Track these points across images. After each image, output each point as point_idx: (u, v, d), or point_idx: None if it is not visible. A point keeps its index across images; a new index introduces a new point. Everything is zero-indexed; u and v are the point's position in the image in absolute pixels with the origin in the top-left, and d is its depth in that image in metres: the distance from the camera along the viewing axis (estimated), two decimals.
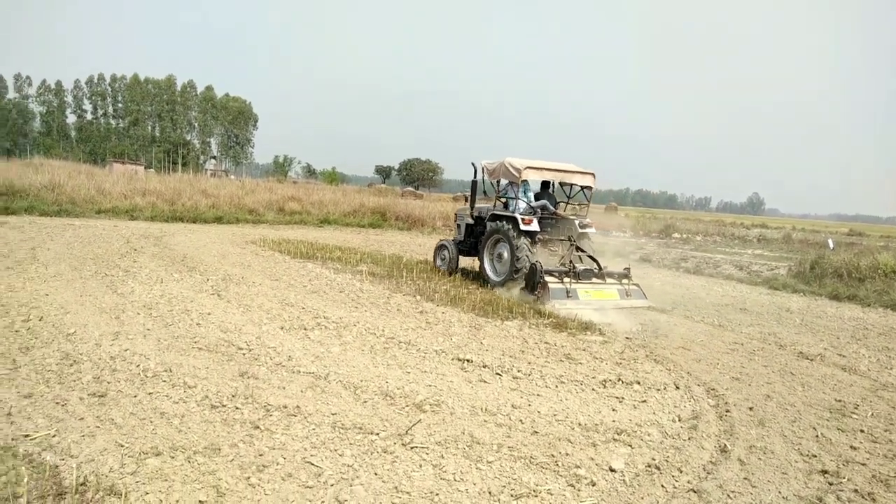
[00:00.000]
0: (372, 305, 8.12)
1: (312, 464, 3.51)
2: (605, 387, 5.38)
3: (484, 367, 5.69)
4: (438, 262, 12.29)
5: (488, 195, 11.66)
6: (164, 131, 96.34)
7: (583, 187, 11.03)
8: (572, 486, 3.50)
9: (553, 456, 3.86)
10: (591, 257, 10.04)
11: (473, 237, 11.54)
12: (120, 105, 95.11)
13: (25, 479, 3.02)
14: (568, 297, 8.96)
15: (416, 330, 6.95)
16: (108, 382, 4.53)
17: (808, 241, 30.30)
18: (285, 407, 4.31)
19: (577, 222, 10.63)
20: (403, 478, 3.43)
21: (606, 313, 8.72)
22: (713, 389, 5.56)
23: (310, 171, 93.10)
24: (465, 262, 12.44)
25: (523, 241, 9.80)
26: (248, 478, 3.28)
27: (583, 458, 3.86)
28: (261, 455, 3.56)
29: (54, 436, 3.58)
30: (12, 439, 3.48)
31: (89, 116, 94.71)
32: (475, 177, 11.31)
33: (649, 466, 3.82)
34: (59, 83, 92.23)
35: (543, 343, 6.73)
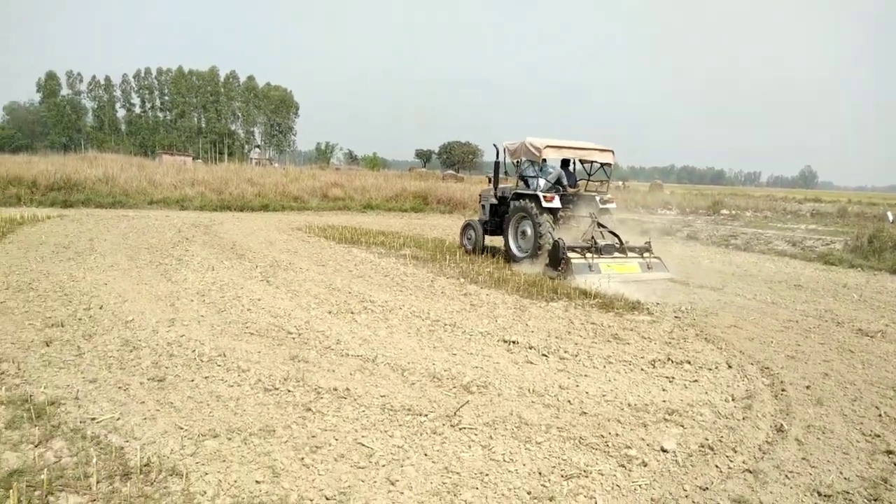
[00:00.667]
0: (416, 289, 8.18)
1: (364, 445, 3.57)
2: (654, 367, 5.30)
3: (530, 348, 5.68)
4: (465, 242, 12.49)
5: (510, 175, 11.89)
6: (210, 122, 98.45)
7: (602, 164, 11.27)
8: (623, 466, 3.47)
9: (603, 436, 3.83)
10: (612, 232, 10.23)
11: (498, 216, 11.80)
12: (166, 98, 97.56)
13: (94, 460, 3.16)
14: (590, 271, 9.20)
15: (461, 312, 6.97)
16: (166, 367, 4.70)
17: (864, 215, 29.09)
18: (335, 389, 4.39)
19: (598, 199, 10.89)
20: (453, 458, 3.46)
21: (654, 292, 8.59)
22: (767, 368, 5.42)
23: (351, 157, 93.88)
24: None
25: (546, 218, 10.10)
26: (303, 458, 3.37)
27: (633, 439, 3.82)
28: (313, 436, 3.64)
29: (118, 419, 3.73)
30: (80, 422, 3.64)
31: (138, 110, 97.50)
32: (497, 158, 11.66)
33: (702, 447, 3.76)
34: (107, 78, 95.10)
35: (590, 323, 6.67)
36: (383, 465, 3.35)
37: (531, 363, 5.26)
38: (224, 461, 3.29)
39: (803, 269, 12.20)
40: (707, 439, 3.86)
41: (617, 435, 3.86)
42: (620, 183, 57.73)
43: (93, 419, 3.70)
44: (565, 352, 5.57)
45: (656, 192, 45.85)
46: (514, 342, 5.81)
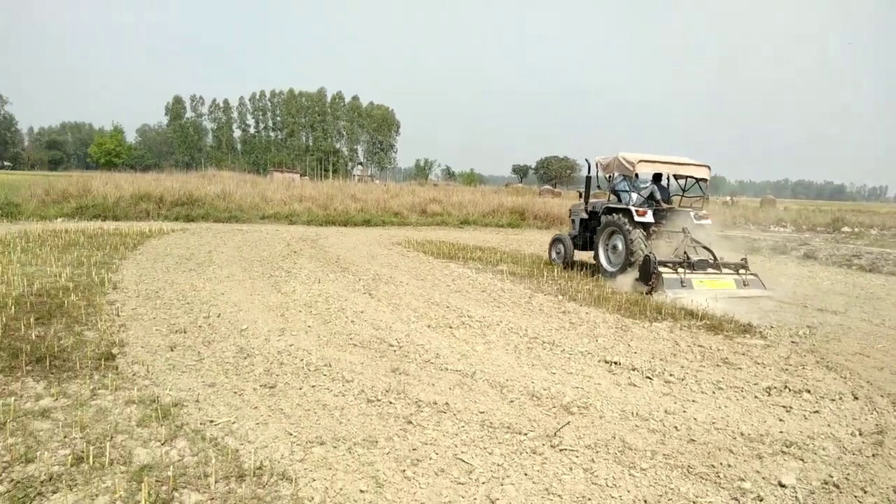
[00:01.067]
0: (514, 305, 8.14)
1: (463, 461, 3.58)
2: (769, 394, 4.98)
3: (633, 369, 5.50)
4: (553, 256, 12.75)
5: (603, 190, 12.09)
6: (317, 140, 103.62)
7: (698, 179, 11.15)
8: (737, 500, 3.27)
9: (713, 466, 3.64)
10: (706, 248, 10.00)
11: (588, 231, 11.95)
12: (278, 118, 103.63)
13: (213, 461, 3.38)
14: (682, 286, 9.07)
15: (560, 330, 6.87)
16: (277, 375, 4.94)
17: None
18: (435, 403, 4.45)
19: (692, 214, 10.75)
20: (554, 480, 3.41)
21: (767, 314, 8.10)
22: None
23: (449, 174, 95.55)
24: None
25: (638, 233, 10.14)
26: (404, 471, 3.43)
27: (747, 471, 3.60)
28: (414, 449, 3.70)
29: (234, 422, 3.97)
30: (201, 423, 3.90)
31: (252, 130, 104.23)
32: (589, 173, 11.87)
33: (826, 484, 3.48)
34: (226, 101, 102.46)
35: (697, 346, 6.37)
36: (483, 483, 3.34)
37: (634, 385, 5.10)
38: (330, 468, 3.41)
39: None
40: (831, 476, 3.57)
41: (729, 466, 3.66)
42: (728, 198, 55.00)
43: (211, 421, 3.95)
44: (671, 375, 5.35)
45: (768, 208, 43.32)
46: (615, 363, 5.65)
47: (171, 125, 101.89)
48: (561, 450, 3.79)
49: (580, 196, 12.69)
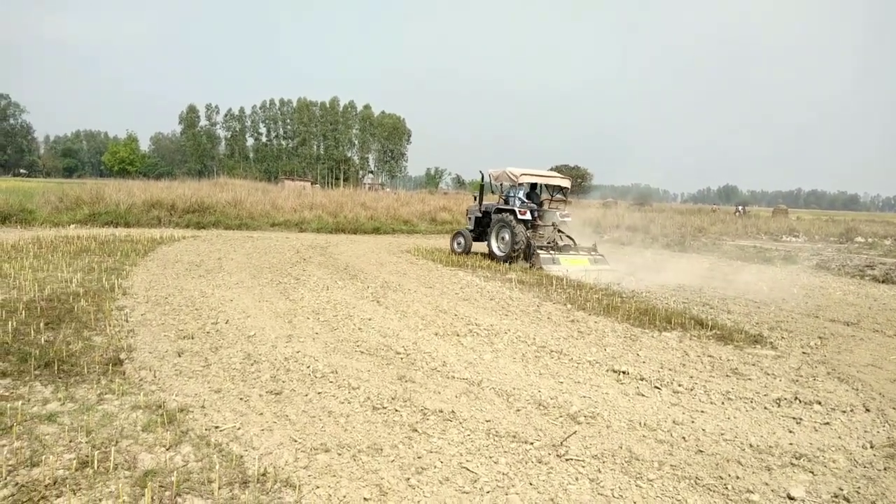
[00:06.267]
0: (522, 313, 8.11)
1: (468, 469, 3.56)
2: (779, 406, 4.92)
3: (641, 379, 5.45)
4: (455, 247, 15.56)
5: (494, 194, 15.63)
6: (328, 149, 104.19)
7: (562, 188, 15.32)
8: None
9: (721, 478, 3.59)
10: (569, 237, 14.46)
11: (481, 227, 15.29)
12: (289, 127, 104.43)
13: (217, 467, 3.37)
14: (553, 263, 13.04)
15: (568, 339, 6.83)
16: (283, 381, 4.94)
17: None
18: (441, 411, 4.43)
19: (558, 213, 14.71)
20: (559, 490, 3.38)
21: (779, 325, 8.01)
22: None
23: (459, 182, 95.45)
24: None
25: (521, 227, 13.65)
26: (409, 479, 3.41)
27: (756, 483, 3.55)
28: (419, 457, 3.68)
29: (239, 428, 3.97)
30: (206, 429, 3.91)
31: (264, 139, 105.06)
32: (483, 181, 15.52)
33: (836, 497, 3.42)
34: (241, 109, 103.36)
35: (706, 356, 6.31)
36: (488, 492, 3.32)
37: (642, 395, 5.05)
38: (334, 476, 3.39)
39: None
40: (842, 489, 3.52)
41: (737, 478, 3.61)
42: (740, 208, 54.60)
43: (216, 427, 3.95)
44: (679, 385, 5.30)
45: (780, 218, 43.06)
46: (624, 372, 5.61)
47: (184, 133, 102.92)
48: (567, 459, 3.76)
49: (475, 199, 16.29)
